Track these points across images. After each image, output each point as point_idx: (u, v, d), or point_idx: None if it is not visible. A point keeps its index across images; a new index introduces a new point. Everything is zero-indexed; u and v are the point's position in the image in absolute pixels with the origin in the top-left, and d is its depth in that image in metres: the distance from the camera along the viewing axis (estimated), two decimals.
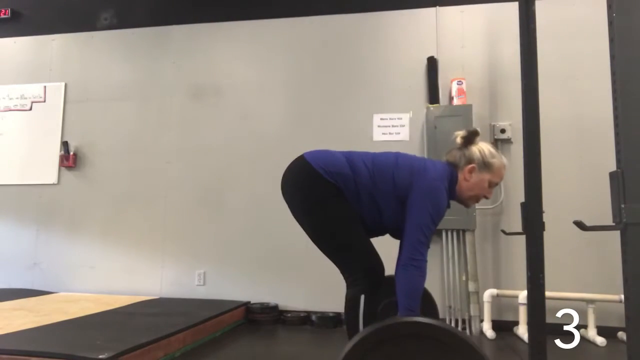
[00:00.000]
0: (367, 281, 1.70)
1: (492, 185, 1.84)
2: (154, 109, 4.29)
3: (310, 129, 3.96)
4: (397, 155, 1.82)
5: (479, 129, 1.85)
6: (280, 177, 1.87)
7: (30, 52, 4.60)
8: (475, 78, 3.78)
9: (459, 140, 1.85)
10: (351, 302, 1.69)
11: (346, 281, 1.76)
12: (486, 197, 1.86)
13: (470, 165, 1.79)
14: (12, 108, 4.54)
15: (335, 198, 1.73)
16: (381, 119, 3.87)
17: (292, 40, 4.14)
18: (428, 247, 1.68)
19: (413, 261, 1.64)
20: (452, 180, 1.80)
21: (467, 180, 1.80)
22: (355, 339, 1.37)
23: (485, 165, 1.79)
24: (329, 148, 1.94)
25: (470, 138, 1.83)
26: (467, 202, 1.86)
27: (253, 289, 3.89)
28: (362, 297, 1.67)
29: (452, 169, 1.82)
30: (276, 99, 4.09)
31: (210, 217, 4.05)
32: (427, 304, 2.10)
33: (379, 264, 1.75)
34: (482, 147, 1.82)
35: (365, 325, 1.64)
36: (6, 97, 4.56)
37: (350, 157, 1.80)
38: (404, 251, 1.66)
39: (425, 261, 1.66)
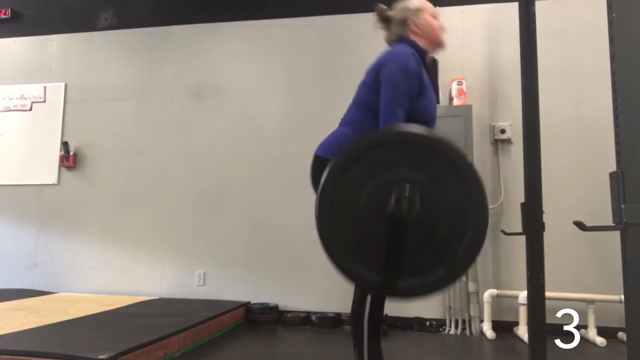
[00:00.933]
0: None
1: (436, 17, 1.88)
2: (154, 109, 4.29)
3: (310, 129, 3.94)
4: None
5: (380, 5, 1.90)
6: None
7: (30, 52, 4.60)
8: (475, 78, 3.77)
9: (379, 25, 1.93)
10: (357, 302, 1.69)
11: None
12: (443, 30, 1.90)
13: (410, 22, 1.84)
14: (12, 108, 4.54)
15: None
16: None
17: (292, 41, 4.14)
18: (402, 111, 1.65)
19: (386, 122, 1.62)
20: (412, 44, 1.82)
21: (419, 32, 1.84)
22: (342, 152, 1.35)
23: (414, 11, 1.85)
24: None
25: (383, 15, 1.90)
26: (436, 42, 1.88)
27: (253, 289, 3.89)
28: (369, 298, 1.66)
29: (404, 39, 1.85)
30: (276, 99, 4.09)
31: (210, 218, 4.05)
32: None
33: None
34: (398, 7, 1.89)
35: (369, 327, 1.64)
36: (6, 98, 4.56)
37: (343, 120, 1.86)
38: (380, 118, 1.65)
39: (401, 119, 1.63)
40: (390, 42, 1.92)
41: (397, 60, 1.70)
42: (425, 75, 1.80)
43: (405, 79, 1.67)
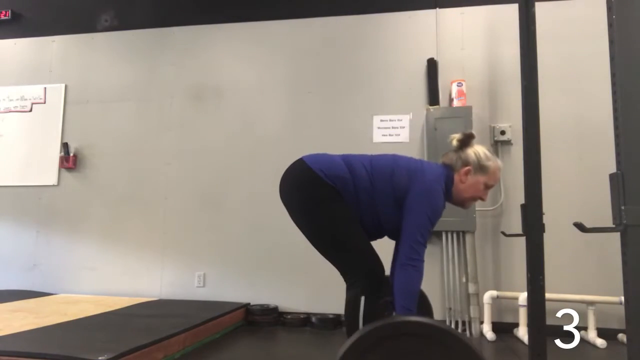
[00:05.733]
0: (367, 282, 1.70)
1: (488, 187, 1.87)
2: (154, 111, 4.29)
3: (310, 131, 3.96)
4: (395, 157, 1.84)
5: (474, 132, 1.88)
6: (280, 179, 1.87)
7: (31, 54, 4.61)
8: (475, 80, 3.78)
9: (455, 143, 1.88)
10: (351, 303, 1.69)
11: (346, 282, 1.76)
12: (481, 199, 1.89)
13: (466, 168, 1.82)
14: (12, 109, 4.54)
15: (334, 200, 1.74)
16: (381, 120, 3.87)
17: (292, 42, 4.14)
18: (425, 247, 1.70)
19: (411, 261, 1.65)
20: (449, 182, 1.83)
21: (463, 182, 1.83)
22: (353, 337, 1.37)
23: (480, 167, 1.83)
24: (328, 150, 1.94)
25: (466, 141, 1.86)
26: (464, 203, 1.89)
27: (253, 290, 3.89)
28: (362, 298, 1.67)
29: (449, 171, 1.85)
30: (276, 100, 4.10)
31: (210, 219, 4.05)
32: (423, 304, 2.11)
33: (378, 265, 1.75)
34: (478, 150, 1.85)
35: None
36: (6, 99, 4.56)
37: (348, 161, 1.81)
38: (402, 251, 1.67)
39: (423, 261, 1.68)
40: (444, 157, 1.91)
41: (431, 198, 1.71)
42: None
43: (433, 222, 1.71)
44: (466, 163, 1.82)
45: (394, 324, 1.39)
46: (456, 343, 1.33)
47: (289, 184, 1.82)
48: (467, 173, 1.82)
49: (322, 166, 1.76)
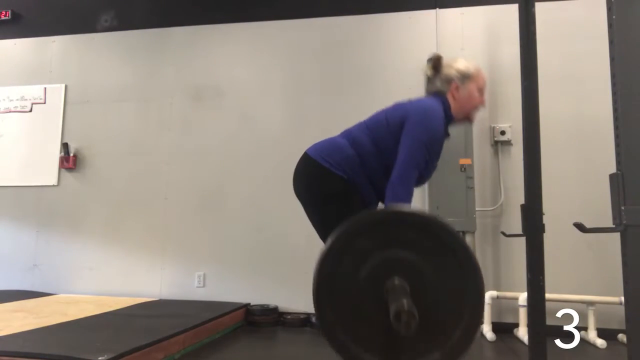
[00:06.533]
0: None
1: (481, 91, 1.85)
2: (154, 111, 4.29)
3: (309, 131, 3.95)
4: (384, 109, 1.85)
5: (439, 54, 1.89)
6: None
7: (31, 54, 4.61)
8: None
9: (429, 72, 1.87)
10: None
11: None
12: (482, 105, 1.87)
13: (453, 84, 1.81)
14: (13, 109, 4.54)
15: (343, 194, 1.74)
16: None
17: (292, 42, 4.14)
18: (417, 172, 1.66)
19: (401, 179, 1.63)
20: (445, 106, 1.81)
21: (457, 99, 1.82)
22: (346, 224, 1.33)
23: (464, 77, 1.81)
24: None
25: (437, 63, 1.85)
26: (469, 116, 1.87)
27: (253, 290, 3.89)
28: None
29: (440, 96, 1.83)
30: (276, 100, 4.09)
31: (210, 219, 4.05)
32: None
33: None
34: (452, 64, 1.84)
35: None
36: (6, 99, 4.56)
37: (349, 134, 1.82)
38: (394, 172, 1.65)
39: (414, 180, 1.65)
40: (427, 90, 1.88)
41: (426, 125, 1.68)
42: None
43: (429, 147, 1.68)
44: (449, 80, 1.82)
45: (383, 211, 1.40)
46: (443, 231, 1.31)
47: (298, 180, 1.83)
48: (456, 88, 1.81)
49: (325, 154, 1.77)
